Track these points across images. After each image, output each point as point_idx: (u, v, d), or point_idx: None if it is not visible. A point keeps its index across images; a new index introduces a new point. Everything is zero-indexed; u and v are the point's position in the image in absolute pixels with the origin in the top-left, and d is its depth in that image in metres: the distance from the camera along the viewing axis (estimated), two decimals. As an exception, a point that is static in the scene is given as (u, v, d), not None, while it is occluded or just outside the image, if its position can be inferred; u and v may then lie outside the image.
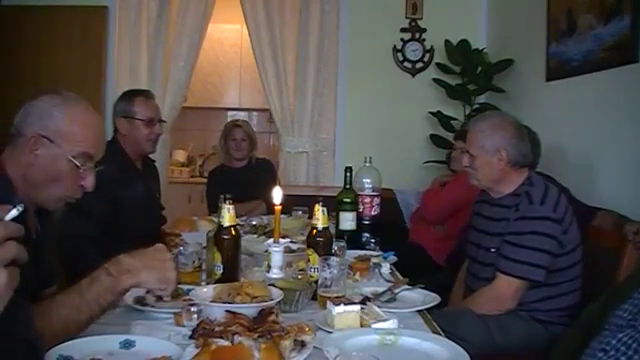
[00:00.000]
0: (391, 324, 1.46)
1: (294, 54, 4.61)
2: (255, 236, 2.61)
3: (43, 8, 4.35)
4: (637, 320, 1.24)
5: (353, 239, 2.41)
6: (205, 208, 3.82)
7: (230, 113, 5.93)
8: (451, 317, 1.98)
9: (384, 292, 1.82)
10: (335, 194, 2.53)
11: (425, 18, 4.63)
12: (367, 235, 2.53)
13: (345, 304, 1.50)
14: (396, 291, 1.84)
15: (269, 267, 1.79)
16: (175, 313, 1.50)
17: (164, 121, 2.83)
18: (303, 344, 1.25)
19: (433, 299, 1.78)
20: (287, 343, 1.22)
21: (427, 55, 4.65)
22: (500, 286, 2.08)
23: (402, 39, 4.66)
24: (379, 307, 1.59)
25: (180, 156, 5.79)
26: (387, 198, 3.20)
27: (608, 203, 2.61)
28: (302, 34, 4.58)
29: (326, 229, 1.81)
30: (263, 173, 3.84)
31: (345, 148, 4.64)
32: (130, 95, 2.71)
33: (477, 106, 4.36)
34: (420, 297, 1.82)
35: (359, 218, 2.53)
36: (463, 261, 2.49)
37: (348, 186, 2.51)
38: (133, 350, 1.27)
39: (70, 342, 1.22)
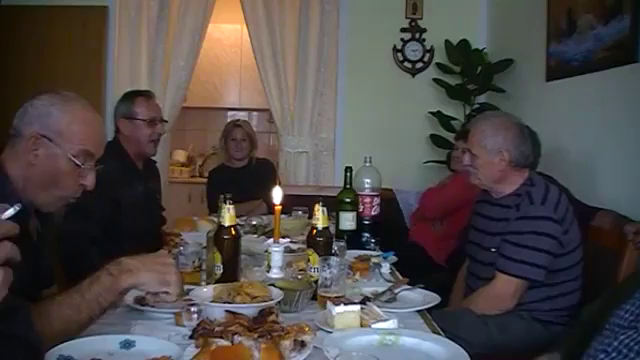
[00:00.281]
0: (391, 324, 1.46)
1: (294, 54, 4.61)
2: (255, 236, 2.61)
3: (43, 8, 4.36)
4: (639, 321, 1.24)
5: (353, 239, 2.41)
6: (205, 208, 3.82)
7: (230, 113, 5.93)
8: (451, 317, 1.98)
9: (384, 292, 1.82)
10: (335, 194, 2.53)
11: (425, 18, 4.63)
12: (367, 235, 2.53)
13: (345, 304, 1.50)
14: (396, 291, 1.83)
15: (269, 267, 1.78)
16: (175, 313, 1.50)
17: (165, 121, 2.83)
18: (303, 344, 1.25)
19: (433, 299, 1.78)
20: (287, 343, 1.22)
21: (427, 55, 4.65)
22: (500, 285, 2.08)
23: (402, 39, 4.66)
24: (379, 307, 1.59)
25: (180, 156, 5.79)
26: (387, 198, 3.20)
27: (608, 203, 2.61)
28: (302, 34, 4.58)
29: (326, 229, 1.81)
30: (263, 173, 3.83)
31: (345, 148, 4.64)
32: (131, 96, 2.71)
33: (477, 106, 4.36)
34: (420, 297, 1.82)
35: (359, 218, 2.53)
36: (463, 261, 2.49)
37: (348, 186, 2.51)
38: (133, 350, 1.27)
39: (70, 342, 1.22)
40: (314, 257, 1.75)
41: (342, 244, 2.05)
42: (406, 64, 4.67)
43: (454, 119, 4.38)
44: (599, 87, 2.99)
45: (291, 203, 2.82)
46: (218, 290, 1.51)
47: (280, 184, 3.36)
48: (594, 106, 3.04)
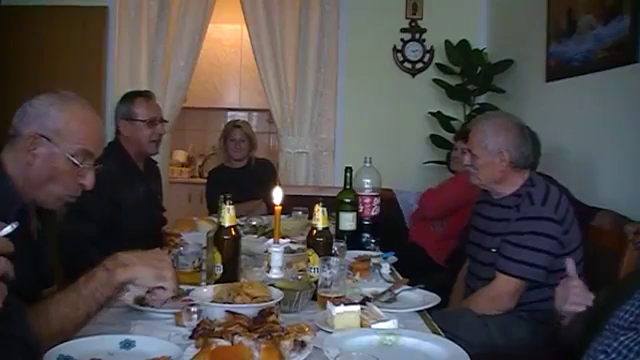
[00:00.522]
0: (391, 324, 1.46)
1: (294, 54, 4.61)
2: (255, 236, 2.61)
3: (43, 8, 4.36)
4: (639, 322, 1.24)
5: (353, 239, 2.41)
6: (205, 208, 3.82)
7: (230, 113, 5.93)
8: (451, 317, 1.98)
9: (384, 292, 1.82)
10: (335, 194, 2.53)
11: (425, 18, 4.63)
12: (367, 235, 2.52)
13: (345, 304, 1.50)
14: (396, 291, 1.83)
15: (269, 267, 1.78)
16: (175, 313, 1.50)
17: (166, 121, 2.83)
18: (303, 344, 1.25)
19: (433, 299, 1.78)
20: (287, 343, 1.22)
21: (427, 55, 4.65)
22: (499, 286, 2.08)
23: (402, 39, 4.66)
24: (379, 307, 1.59)
25: (180, 156, 5.79)
26: (387, 198, 3.20)
27: (608, 203, 2.61)
28: (302, 34, 4.58)
29: (326, 229, 1.81)
30: (263, 173, 3.84)
31: (345, 148, 4.64)
32: (131, 96, 2.71)
33: (477, 106, 4.36)
34: (420, 297, 1.82)
35: (359, 218, 2.53)
36: (463, 261, 2.49)
37: (348, 186, 2.51)
38: (133, 350, 1.27)
39: (70, 342, 1.22)
40: (314, 257, 1.75)
41: (342, 244, 2.05)
42: (406, 64, 4.67)
43: (454, 119, 4.38)
44: (599, 87, 2.99)
45: (291, 203, 2.82)
46: (218, 290, 1.51)
47: (280, 184, 3.37)
48: (594, 106, 3.04)
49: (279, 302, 1.50)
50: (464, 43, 4.39)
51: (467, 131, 2.49)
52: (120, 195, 2.46)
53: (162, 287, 1.35)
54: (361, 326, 1.47)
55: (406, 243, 3.45)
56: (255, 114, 6.01)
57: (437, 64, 4.58)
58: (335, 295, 1.64)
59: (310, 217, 2.29)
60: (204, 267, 1.92)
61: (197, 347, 1.22)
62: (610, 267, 2.14)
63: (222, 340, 1.18)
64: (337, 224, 2.49)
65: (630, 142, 2.70)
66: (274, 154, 5.14)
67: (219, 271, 1.70)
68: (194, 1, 4.52)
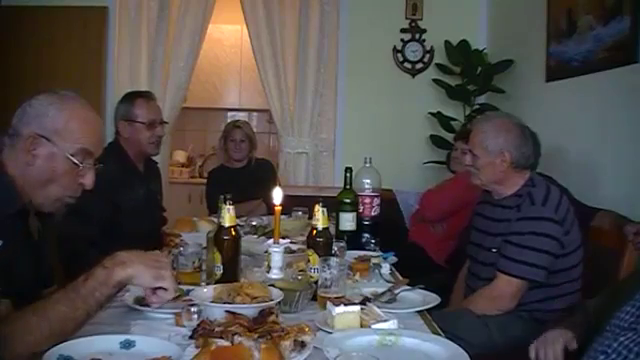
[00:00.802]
0: (391, 324, 1.46)
1: (294, 54, 4.61)
2: (255, 237, 2.61)
3: (43, 8, 4.36)
4: (639, 323, 1.24)
5: (353, 239, 2.41)
6: (205, 208, 3.82)
7: (230, 114, 5.93)
8: (451, 317, 1.98)
9: (384, 293, 1.82)
10: (335, 195, 2.53)
11: (425, 19, 4.63)
12: (367, 235, 2.52)
13: (345, 305, 1.50)
14: (396, 292, 1.83)
15: (269, 268, 1.78)
16: (175, 313, 1.50)
17: (166, 122, 2.83)
18: (303, 344, 1.25)
19: (433, 299, 1.78)
20: (287, 343, 1.22)
21: (427, 56, 4.65)
22: (500, 286, 2.08)
23: (402, 39, 4.66)
24: (379, 307, 1.59)
25: (180, 156, 5.79)
26: (387, 198, 3.20)
27: (608, 203, 2.60)
28: (302, 34, 4.57)
29: (326, 229, 1.81)
30: (262, 173, 3.84)
31: (345, 148, 4.64)
32: (131, 97, 2.70)
33: (477, 106, 4.36)
34: (420, 297, 1.82)
35: (359, 218, 2.53)
36: (463, 261, 2.49)
37: (348, 186, 2.51)
38: (133, 350, 1.27)
39: (70, 342, 1.21)
40: (314, 258, 1.75)
41: (342, 245, 2.05)
42: (406, 65, 4.67)
43: (454, 120, 4.38)
44: (599, 87, 2.99)
45: (291, 204, 2.83)
46: (218, 290, 1.51)
47: (280, 185, 3.37)
48: (594, 106, 3.04)
49: (279, 302, 1.49)
50: (464, 43, 4.39)
51: (467, 131, 2.49)
52: (120, 196, 2.46)
53: (163, 288, 1.35)
54: (361, 326, 1.47)
55: (406, 243, 3.45)
56: (255, 114, 6.01)
57: (437, 64, 4.57)
58: (335, 295, 1.64)
59: (310, 217, 2.29)
60: (204, 267, 1.92)
61: (197, 347, 1.21)
62: (610, 267, 2.14)
63: (222, 340, 1.18)
64: (337, 224, 2.49)
65: (630, 142, 2.70)
66: (274, 154, 5.14)
67: (219, 271, 1.70)
68: (194, 1, 4.52)
